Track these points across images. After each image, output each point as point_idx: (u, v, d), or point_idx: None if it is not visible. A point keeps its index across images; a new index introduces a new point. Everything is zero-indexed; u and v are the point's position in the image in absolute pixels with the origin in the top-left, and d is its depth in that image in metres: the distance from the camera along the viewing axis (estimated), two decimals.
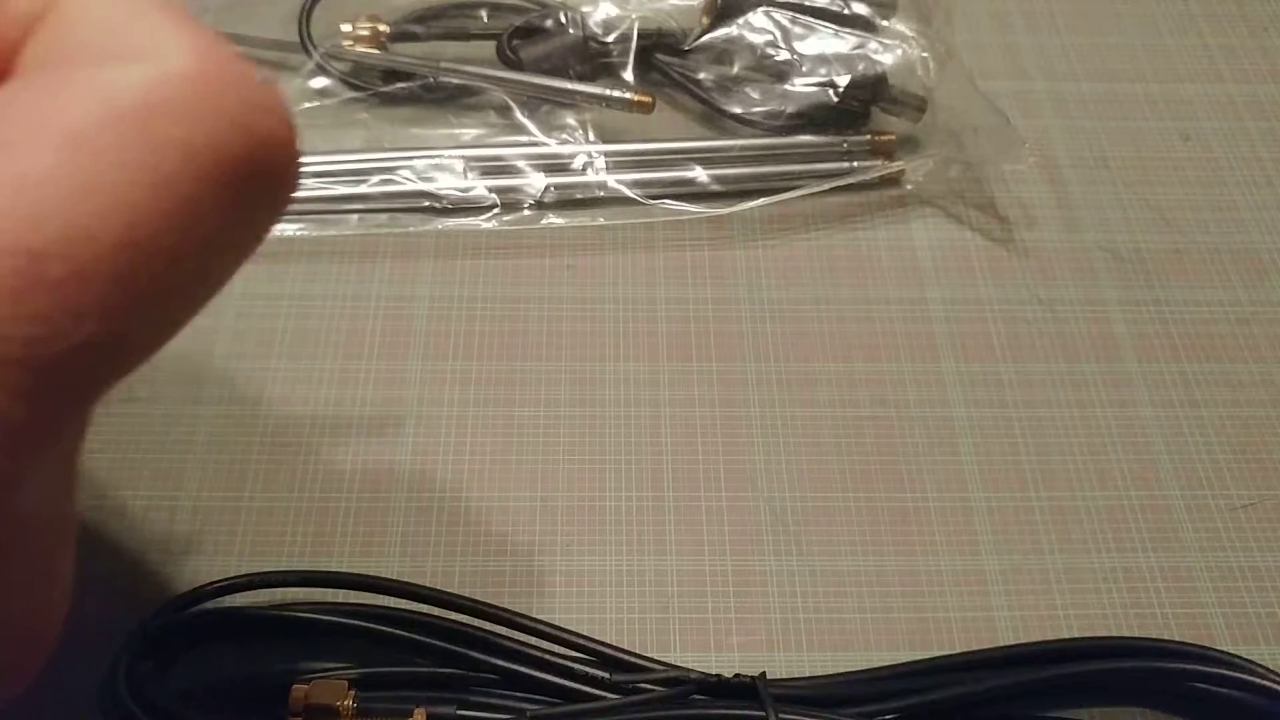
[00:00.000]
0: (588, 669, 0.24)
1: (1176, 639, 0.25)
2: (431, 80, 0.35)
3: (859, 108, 0.35)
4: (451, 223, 0.33)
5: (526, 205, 0.33)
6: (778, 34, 0.35)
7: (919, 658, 0.25)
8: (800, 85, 0.35)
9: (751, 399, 0.30)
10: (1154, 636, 0.26)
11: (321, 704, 0.23)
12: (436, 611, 0.25)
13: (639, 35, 0.35)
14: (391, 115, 0.36)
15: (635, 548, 0.27)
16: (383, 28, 0.36)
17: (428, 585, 0.25)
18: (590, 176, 0.34)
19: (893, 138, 0.35)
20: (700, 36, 0.35)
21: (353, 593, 0.25)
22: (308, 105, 0.35)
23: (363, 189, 0.33)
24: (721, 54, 0.35)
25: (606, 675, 0.24)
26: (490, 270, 0.32)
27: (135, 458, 0.28)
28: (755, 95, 0.35)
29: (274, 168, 0.16)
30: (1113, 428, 0.30)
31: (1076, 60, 0.39)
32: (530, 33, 0.36)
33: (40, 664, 0.17)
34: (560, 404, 0.30)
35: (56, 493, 0.16)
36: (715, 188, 0.34)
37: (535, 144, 0.34)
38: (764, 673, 0.24)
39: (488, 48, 0.36)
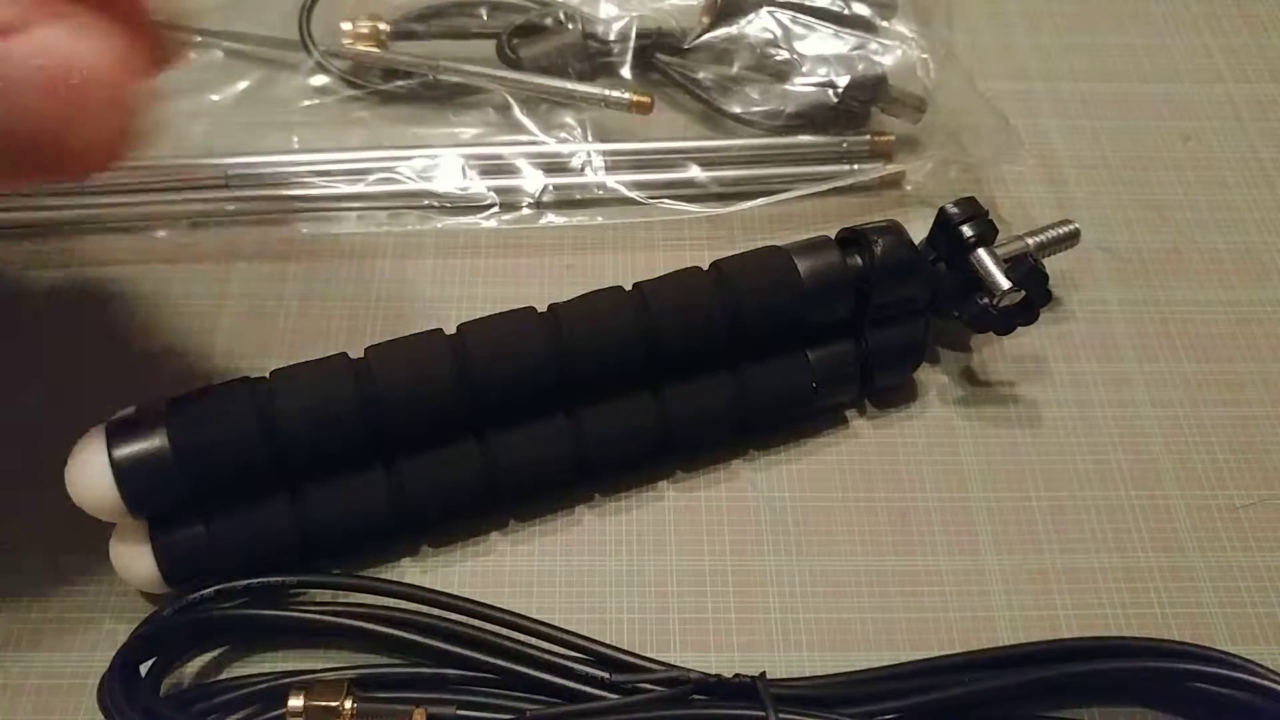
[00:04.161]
0: (587, 669, 0.24)
1: (1176, 639, 0.25)
2: (431, 79, 0.35)
3: (859, 108, 0.35)
4: (451, 221, 0.33)
5: (525, 204, 0.33)
6: (778, 34, 0.35)
7: (919, 658, 0.25)
8: (800, 85, 0.35)
9: None
10: (1154, 636, 0.26)
11: (321, 704, 0.23)
12: (436, 611, 0.25)
13: (639, 34, 0.35)
14: (391, 114, 0.36)
15: (635, 548, 0.27)
16: (383, 26, 0.36)
17: (427, 585, 0.25)
18: (589, 176, 0.34)
19: (892, 138, 0.35)
20: (700, 36, 0.35)
21: (352, 593, 0.25)
22: (307, 103, 0.35)
23: (361, 187, 0.33)
24: (721, 53, 0.35)
25: (606, 675, 0.24)
26: (490, 269, 0.32)
27: None
28: (755, 95, 0.35)
29: None
30: (1113, 428, 0.30)
31: (1076, 60, 0.39)
32: (530, 31, 0.36)
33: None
34: None
35: None
36: (715, 188, 0.34)
37: (534, 143, 0.34)
38: (764, 673, 0.24)
39: (487, 46, 0.36)
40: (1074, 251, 0.31)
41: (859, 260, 0.28)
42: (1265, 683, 0.24)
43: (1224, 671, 0.24)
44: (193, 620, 0.24)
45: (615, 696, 0.23)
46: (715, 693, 0.24)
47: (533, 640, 0.24)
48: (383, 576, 0.25)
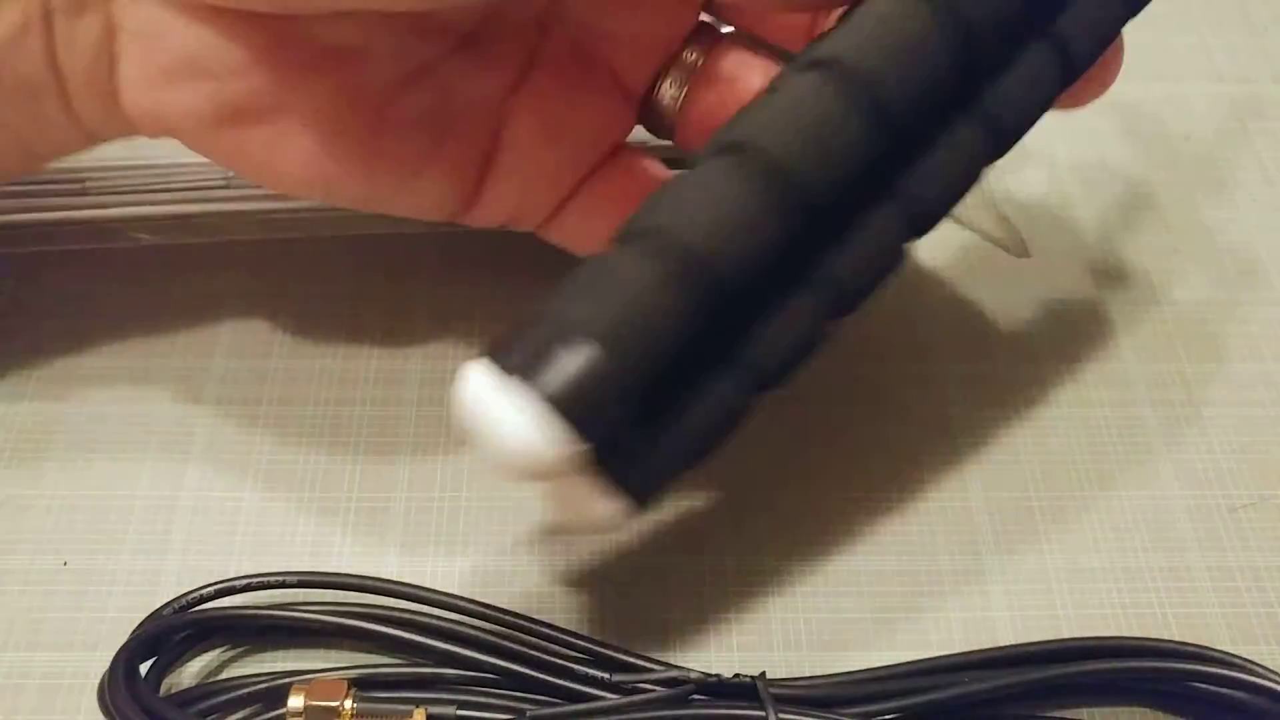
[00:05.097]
0: (587, 669, 0.24)
1: (1176, 639, 0.25)
2: None
3: None
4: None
5: None
6: None
7: (919, 658, 0.25)
8: None
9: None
10: (1154, 636, 0.26)
11: (321, 704, 0.23)
12: (436, 611, 0.25)
13: None
14: None
15: (635, 547, 0.27)
16: None
17: (427, 586, 0.25)
18: None
19: None
20: None
21: (353, 593, 0.25)
22: None
23: None
24: None
25: (606, 675, 0.24)
26: (492, 268, 0.32)
27: (135, 457, 0.28)
28: None
29: None
30: (1113, 428, 0.30)
31: None
32: None
33: None
34: None
35: None
36: None
37: None
38: (764, 673, 0.24)
39: None
40: (1073, 251, 0.31)
41: None
42: (1265, 683, 0.24)
43: (1224, 671, 0.24)
44: (193, 620, 0.24)
45: (615, 696, 0.23)
46: (715, 693, 0.24)
47: (533, 640, 0.24)
48: (383, 576, 0.25)
